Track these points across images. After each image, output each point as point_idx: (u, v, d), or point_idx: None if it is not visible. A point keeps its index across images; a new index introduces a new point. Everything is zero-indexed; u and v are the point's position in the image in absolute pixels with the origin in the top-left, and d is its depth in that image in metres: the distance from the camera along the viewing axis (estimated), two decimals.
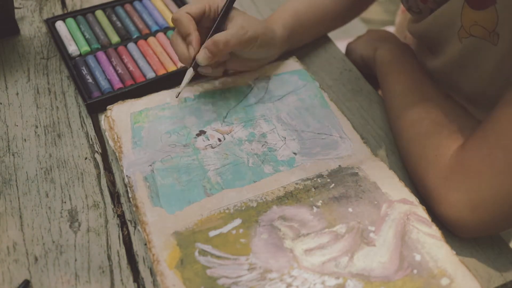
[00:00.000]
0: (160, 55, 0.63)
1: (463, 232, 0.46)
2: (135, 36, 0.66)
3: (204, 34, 0.53)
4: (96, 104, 0.57)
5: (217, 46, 0.50)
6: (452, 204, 0.45)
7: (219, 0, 0.53)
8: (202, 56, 0.51)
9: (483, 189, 0.43)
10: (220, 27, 0.53)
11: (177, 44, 0.53)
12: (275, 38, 0.57)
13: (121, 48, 0.64)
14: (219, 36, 0.51)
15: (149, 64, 0.62)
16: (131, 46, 0.65)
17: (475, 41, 0.50)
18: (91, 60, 0.62)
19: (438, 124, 0.50)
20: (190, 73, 0.53)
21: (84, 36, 0.66)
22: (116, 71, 0.61)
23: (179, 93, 0.54)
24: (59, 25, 0.67)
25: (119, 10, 0.70)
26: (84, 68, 0.61)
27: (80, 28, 0.67)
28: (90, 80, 0.59)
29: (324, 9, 0.65)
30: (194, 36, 0.51)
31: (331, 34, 0.70)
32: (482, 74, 0.52)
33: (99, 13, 0.69)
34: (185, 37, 0.52)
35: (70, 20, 0.68)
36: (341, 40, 0.79)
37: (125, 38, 0.66)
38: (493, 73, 0.51)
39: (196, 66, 0.53)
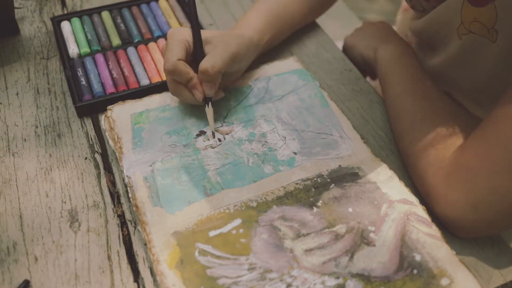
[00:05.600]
0: (158, 62, 0.62)
1: (463, 232, 0.46)
2: (136, 40, 0.66)
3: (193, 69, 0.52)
4: (85, 108, 0.56)
5: (207, 73, 0.50)
6: (451, 204, 0.45)
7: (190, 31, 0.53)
8: (207, 89, 0.51)
9: (482, 188, 0.43)
10: (201, 56, 0.52)
11: (181, 93, 0.53)
12: (252, 47, 0.57)
13: (120, 52, 0.64)
14: (204, 64, 0.50)
15: (145, 70, 0.61)
16: (130, 50, 0.64)
17: (474, 38, 0.50)
18: (88, 62, 0.62)
19: (438, 124, 0.50)
20: (209, 110, 0.53)
21: (86, 37, 0.65)
22: (111, 75, 0.60)
23: (214, 133, 0.54)
24: (63, 25, 0.67)
25: (125, 12, 0.70)
26: (80, 69, 0.60)
27: (84, 29, 0.66)
28: (83, 82, 0.59)
29: (296, 11, 0.65)
30: (196, 79, 0.51)
31: (331, 34, 0.70)
32: (481, 71, 0.53)
33: (105, 14, 0.69)
34: (186, 83, 0.52)
35: (75, 20, 0.67)
36: (341, 40, 0.79)
37: (127, 41, 0.65)
38: (492, 70, 0.51)
39: (207, 100, 0.53)
